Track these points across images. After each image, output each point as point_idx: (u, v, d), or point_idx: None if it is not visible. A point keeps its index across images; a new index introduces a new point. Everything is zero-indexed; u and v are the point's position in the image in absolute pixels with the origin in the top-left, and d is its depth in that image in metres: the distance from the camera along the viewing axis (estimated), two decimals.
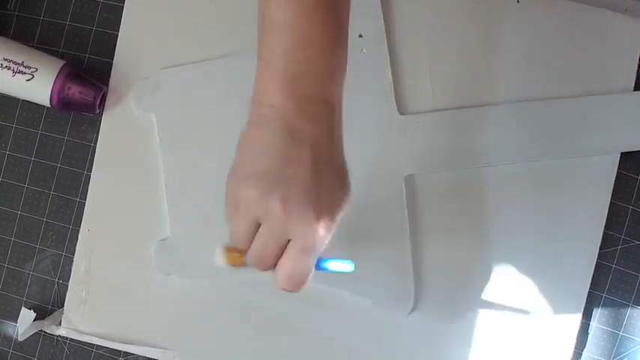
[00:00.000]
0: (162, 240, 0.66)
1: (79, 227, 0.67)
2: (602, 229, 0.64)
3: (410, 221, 0.64)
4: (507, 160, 0.64)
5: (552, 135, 0.64)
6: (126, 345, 0.66)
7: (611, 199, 0.64)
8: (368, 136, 0.65)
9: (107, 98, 0.67)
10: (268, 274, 0.48)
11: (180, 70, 0.66)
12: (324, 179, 0.46)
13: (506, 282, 0.64)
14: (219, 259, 0.52)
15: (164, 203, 0.66)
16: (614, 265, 0.65)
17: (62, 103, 0.65)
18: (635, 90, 0.65)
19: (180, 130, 0.66)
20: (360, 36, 0.65)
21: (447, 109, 0.65)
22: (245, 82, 0.65)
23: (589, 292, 0.64)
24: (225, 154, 0.65)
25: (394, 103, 0.65)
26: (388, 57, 0.65)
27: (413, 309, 0.64)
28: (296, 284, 0.47)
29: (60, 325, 0.66)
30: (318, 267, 0.49)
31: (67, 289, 0.67)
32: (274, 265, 0.48)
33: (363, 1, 0.65)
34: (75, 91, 0.65)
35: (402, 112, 0.65)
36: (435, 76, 0.65)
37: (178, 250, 0.65)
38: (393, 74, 0.65)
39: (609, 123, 0.64)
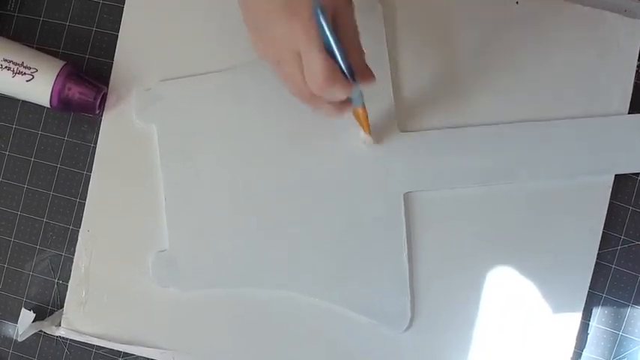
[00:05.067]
0: (161, 252, 0.66)
1: (79, 228, 0.67)
2: (601, 229, 0.64)
3: (408, 238, 0.64)
4: (506, 180, 0.64)
5: (549, 156, 0.64)
6: (125, 345, 0.66)
7: (611, 199, 0.64)
8: (368, 152, 0.65)
9: (107, 99, 0.67)
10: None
11: (181, 82, 0.66)
12: None
13: (506, 282, 0.64)
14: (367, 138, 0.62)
15: (164, 206, 0.66)
16: (613, 266, 0.65)
17: (62, 104, 0.65)
18: (631, 105, 0.65)
19: (181, 142, 0.66)
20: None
21: (447, 128, 0.65)
22: (246, 96, 0.66)
23: (589, 292, 0.64)
24: (225, 167, 0.66)
25: (395, 119, 0.65)
26: (390, 73, 0.65)
27: (409, 327, 0.64)
28: (320, 83, 0.50)
29: (59, 325, 0.66)
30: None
31: (66, 290, 0.67)
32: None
33: (365, 19, 0.64)
34: (75, 91, 0.65)
35: (402, 129, 0.65)
36: (437, 94, 0.65)
37: (176, 262, 0.65)
38: (394, 90, 0.65)
39: (605, 146, 0.64)
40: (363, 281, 0.64)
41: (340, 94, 0.52)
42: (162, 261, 0.65)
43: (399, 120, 0.65)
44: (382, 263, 0.64)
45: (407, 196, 0.65)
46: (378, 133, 0.64)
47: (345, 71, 0.51)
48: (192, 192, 0.66)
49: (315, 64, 0.49)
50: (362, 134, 0.63)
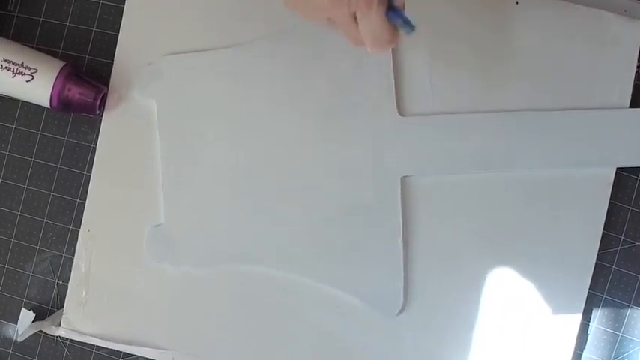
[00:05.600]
0: (156, 226, 0.66)
1: (79, 228, 0.67)
2: (601, 229, 0.64)
3: (404, 223, 0.64)
4: (504, 168, 0.64)
5: (549, 145, 0.64)
6: (125, 345, 0.66)
7: (611, 199, 0.64)
8: (367, 136, 0.65)
9: (107, 99, 0.67)
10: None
11: (184, 58, 0.66)
12: None
13: (506, 282, 0.64)
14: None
15: (163, 204, 0.66)
16: (613, 266, 0.65)
17: (62, 104, 0.65)
18: (631, 104, 0.65)
19: (180, 118, 0.66)
20: None
21: (446, 113, 0.65)
22: (247, 74, 0.66)
23: (589, 292, 0.64)
24: (223, 144, 0.66)
25: (395, 103, 0.65)
26: (390, 58, 0.65)
27: (401, 310, 0.64)
28: (379, 43, 0.52)
29: (59, 325, 0.66)
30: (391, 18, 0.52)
31: (67, 290, 0.67)
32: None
33: None
34: (75, 92, 0.65)
35: (402, 114, 0.65)
36: (436, 79, 0.65)
37: (171, 237, 0.65)
38: (395, 75, 0.65)
39: (605, 138, 0.64)
40: (357, 264, 0.64)
41: (394, 46, 0.54)
42: (157, 236, 0.65)
43: (399, 104, 0.65)
44: (377, 247, 0.64)
45: (404, 181, 0.65)
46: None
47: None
48: (190, 169, 0.66)
49: (377, 29, 0.51)
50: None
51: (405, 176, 0.65)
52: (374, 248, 0.64)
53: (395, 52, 0.65)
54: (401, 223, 0.64)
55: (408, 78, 0.66)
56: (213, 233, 0.65)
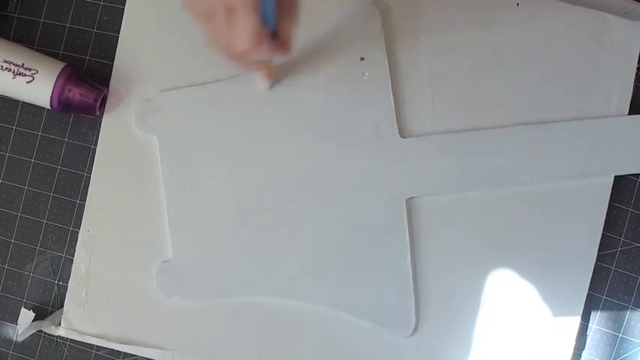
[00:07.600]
0: (164, 262, 0.66)
1: (79, 229, 0.67)
2: (600, 231, 0.64)
3: (411, 243, 0.64)
4: (507, 183, 0.64)
5: (550, 158, 0.64)
6: (125, 345, 0.66)
7: (610, 201, 0.64)
8: (369, 158, 0.65)
9: (107, 100, 0.67)
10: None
11: (181, 93, 0.66)
12: None
13: (507, 285, 0.64)
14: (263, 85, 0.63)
15: (163, 206, 0.66)
16: (613, 268, 0.65)
17: (62, 105, 0.65)
18: (631, 106, 0.65)
19: (182, 153, 0.66)
20: (362, 59, 0.65)
21: (447, 132, 0.65)
22: (246, 104, 0.66)
23: (588, 294, 0.64)
24: (226, 176, 0.66)
25: (395, 125, 0.65)
26: (389, 80, 0.65)
27: (414, 331, 0.64)
28: (245, 42, 0.50)
29: (59, 325, 0.67)
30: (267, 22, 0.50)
31: (67, 291, 0.67)
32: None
33: (365, 24, 0.65)
34: (75, 93, 0.65)
35: (403, 135, 0.65)
36: (436, 99, 0.65)
37: (180, 272, 0.65)
38: (394, 97, 0.65)
39: (605, 148, 0.64)
40: (367, 287, 0.64)
41: (262, 57, 0.53)
42: (166, 271, 0.65)
43: (400, 125, 0.65)
44: (386, 269, 0.64)
45: (409, 202, 0.65)
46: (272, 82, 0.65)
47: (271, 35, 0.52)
48: (194, 201, 0.66)
49: (245, 23, 0.49)
50: (260, 81, 0.63)
51: (409, 197, 0.65)
52: (383, 270, 0.64)
53: (393, 73, 0.65)
54: (408, 243, 0.64)
55: (408, 99, 0.66)
56: (221, 266, 0.65)
